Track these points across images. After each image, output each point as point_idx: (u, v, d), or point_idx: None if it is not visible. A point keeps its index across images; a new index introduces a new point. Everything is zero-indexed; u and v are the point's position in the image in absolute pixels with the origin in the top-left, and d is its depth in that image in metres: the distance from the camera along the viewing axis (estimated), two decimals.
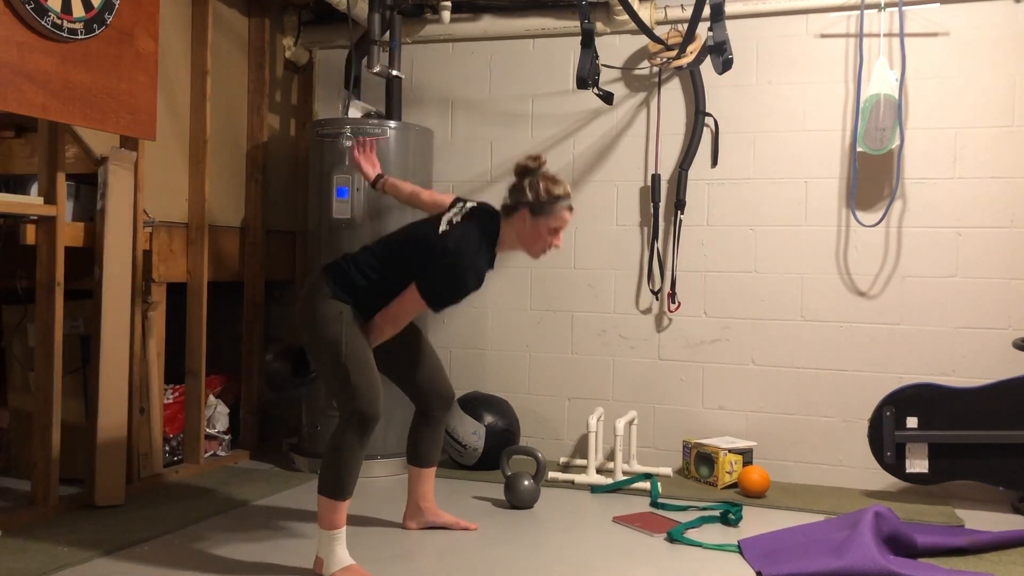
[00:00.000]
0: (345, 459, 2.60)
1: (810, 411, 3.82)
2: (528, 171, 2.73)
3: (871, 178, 3.75)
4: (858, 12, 3.73)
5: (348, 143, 3.77)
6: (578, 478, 3.72)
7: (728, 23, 3.37)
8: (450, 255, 2.64)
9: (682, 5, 3.95)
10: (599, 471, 3.78)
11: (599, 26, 4.05)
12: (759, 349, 3.89)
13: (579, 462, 4.01)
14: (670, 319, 4.02)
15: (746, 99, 3.93)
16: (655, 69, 4.04)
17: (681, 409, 4.00)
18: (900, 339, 3.72)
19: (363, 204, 3.75)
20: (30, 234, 3.12)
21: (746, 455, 3.73)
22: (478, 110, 4.32)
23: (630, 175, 4.09)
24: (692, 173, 3.96)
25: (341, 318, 2.63)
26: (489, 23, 4.23)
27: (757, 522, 3.20)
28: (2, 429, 3.75)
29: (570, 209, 2.74)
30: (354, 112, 3.91)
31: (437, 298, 2.68)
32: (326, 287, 2.68)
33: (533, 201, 2.69)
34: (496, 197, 4.22)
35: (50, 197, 3.07)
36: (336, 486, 2.59)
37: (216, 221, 3.96)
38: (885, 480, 3.68)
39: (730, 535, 3.05)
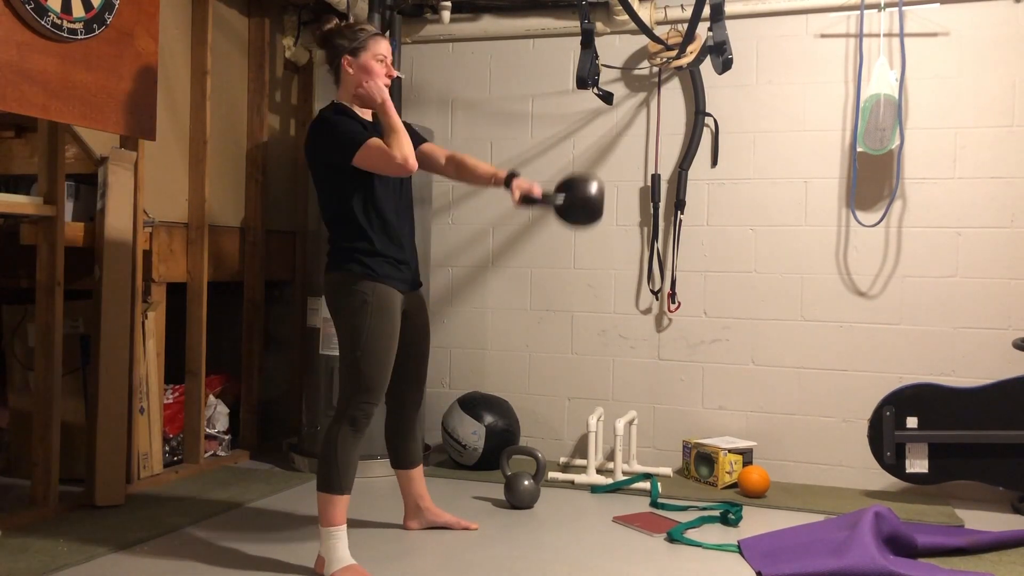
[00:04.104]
0: (341, 454, 2.61)
1: (810, 411, 3.83)
2: (328, 32, 2.77)
3: (871, 178, 3.75)
4: (858, 12, 3.73)
5: None
6: (578, 478, 3.72)
7: (728, 23, 3.37)
8: (315, 125, 2.69)
9: (682, 5, 3.95)
10: (599, 471, 3.78)
11: (599, 26, 4.05)
12: (759, 349, 3.89)
13: (579, 462, 4.01)
14: (670, 319, 4.02)
15: (746, 99, 3.93)
16: (655, 69, 4.04)
17: (681, 409, 4.00)
18: (900, 339, 3.72)
19: None
20: (30, 234, 3.12)
21: (746, 455, 3.73)
22: (478, 110, 4.32)
23: (630, 175, 4.09)
24: (692, 173, 3.96)
25: (366, 307, 2.63)
26: (489, 23, 4.23)
27: (757, 522, 3.20)
28: (2, 429, 3.75)
29: (381, 35, 2.76)
30: None
31: (338, 142, 2.62)
32: (344, 272, 2.67)
33: (344, 45, 2.73)
34: (496, 197, 4.27)
35: (50, 197, 3.07)
36: (333, 481, 2.60)
37: (216, 221, 3.96)
38: (885, 480, 3.68)
39: (730, 535, 3.05)
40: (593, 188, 2.77)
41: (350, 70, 2.73)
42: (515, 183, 2.80)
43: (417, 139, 2.91)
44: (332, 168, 2.66)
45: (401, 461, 3.03)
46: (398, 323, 2.72)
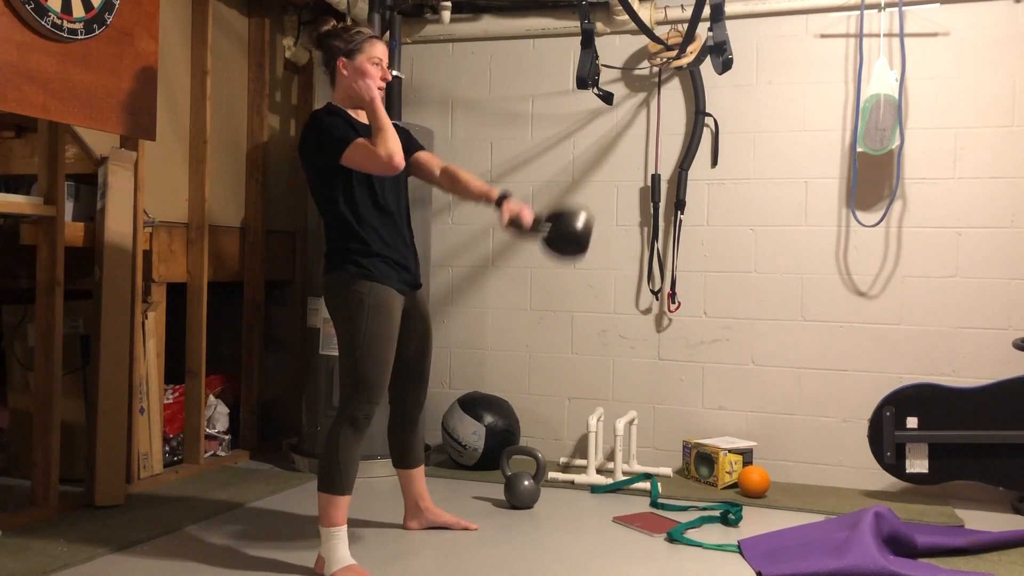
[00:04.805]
0: (342, 454, 2.61)
1: (810, 411, 3.82)
2: (325, 33, 2.76)
3: (871, 178, 3.75)
4: (858, 12, 3.73)
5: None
6: (578, 478, 3.72)
7: (728, 23, 3.37)
8: (307, 126, 2.69)
9: (682, 5, 3.95)
10: (599, 471, 3.78)
11: (599, 26, 4.05)
12: (759, 349, 3.89)
13: (579, 462, 4.01)
14: (670, 319, 4.02)
15: (746, 99, 3.93)
16: (655, 69, 4.04)
17: (681, 409, 4.00)
18: (900, 339, 3.72)
19: None
20: (30, 234, 3.12)
21: (746, 455, 3.73)
22: (478, 110, 4.32)
23: (630, 175, 4.09)
24: (692, 173, 3.96)
25: (363, 307, 2.63)
26: (489, 23, 4.23)
27: (757, 522, 3.20)
28: (2, 429, 3.75)
29: (377, 39, 2.74)
30: None
31: (327, 141, 2.62)
32: (341, 272, 2.68)
33: (339, 47, 2.71)
34: None
35: (50, 197, 3.07)
36: (334, 481, 2.60)
37: (216, 221, 3.96)
38: (885, 480, 3.68)
39: (730, 535, 3.05)
40: (580, 222, 2.73)
41: (344, 72, 2.72)
42: (505, 205, 2.76)
43: (413, 145, 2.91)
44: (324, 169, 2.66)
45: (403, 460, 3.04)
46: (397, 323, 2.72)
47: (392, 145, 2.55)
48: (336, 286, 2.68)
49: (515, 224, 2.75)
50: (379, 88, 2.73)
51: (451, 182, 2.90)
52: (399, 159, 2.56)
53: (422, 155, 2.93)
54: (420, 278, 2.90)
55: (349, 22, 4.01)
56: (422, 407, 3.03)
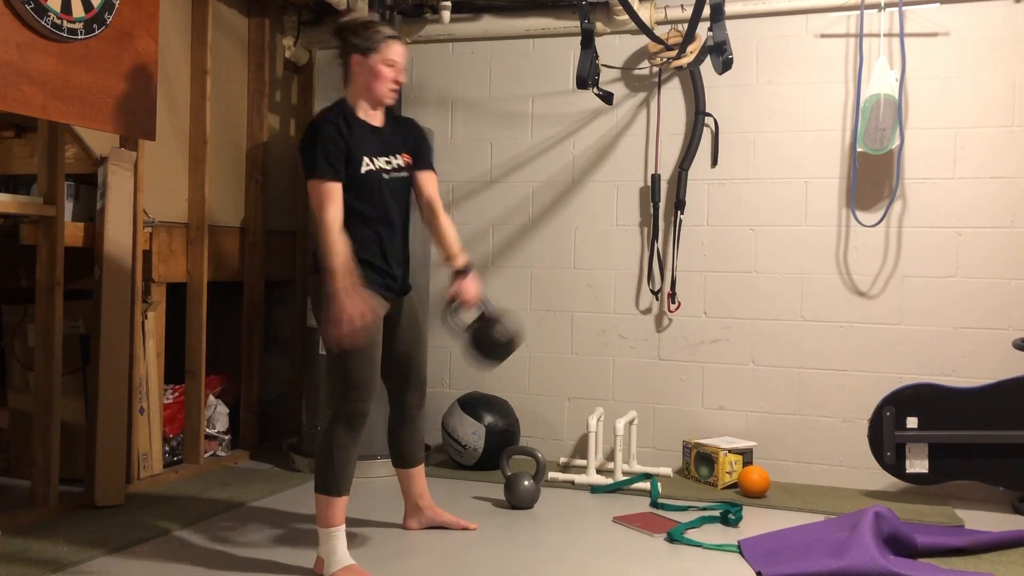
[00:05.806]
0: (337, 454, 2.61)
1: (810, 411, 3.82)
2: (344, 26, 2.74)
3: (871, 178, 3.75)
4: (858, 12, 3.73)
5: None
6: (578, 478, 3.72)
7: (728, 23, 3.37)
8: (309, 127, 2.68)
9: (682, 5, 3.95)
10: (599, 471, 3.78)
11: (599, 26, 4.05)
12: (759, 349, 3.89)
13: (579, 462, 4.01)
14: (670, 319, 4.02)
15: (746, 99, 3.93)
16: (655, 69, 4.05)
17: (681, 409, 4.00)
18: (900, 339, 3.72)
19: None
20: (30, 234, 3.12)
21: (746, 455, 3.73)
22: (478, 110, 4.32)
23: (630, 175, 4.09)
24: (692, 173, 3.96)
25: None
26: (489, 23, 4.23)
27: (757, 522, 3.20)
28: (2, 429, 3.75)
29: (396, 39, 2.72)
30: None
31: (309, 160, 2.62)
32: (325, 273, 2.66)
33: (357, 43, 2.68)
34: (496, 197, 4.27)
35: (50, 197, 3.07)
36: (330, 482, 2.60)
37: (216, 221, 3.96)
38: (885, 480, 3.68)
39: (730, 535, 3.05)
40: (504, 336, 2.77)
41: (357, 70, 2.70)
42: (460, 280, 2.79)
43: (423, 161, 2.88)
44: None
45: (402, 460, 3.03)
46: (379, 325, 2.71)
47: (333, 253, 2.53)
48: (321, 286, 2.67)
49: (453, 301, 2.79)
50: (391, 90, 2.72)
51: (428, 219, 2.90)
52: (333, 237, 2.54)
53: (422, 176, 2.88)
54: (408, 284, 2.88)
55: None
56: (420, 407, 3.03)
